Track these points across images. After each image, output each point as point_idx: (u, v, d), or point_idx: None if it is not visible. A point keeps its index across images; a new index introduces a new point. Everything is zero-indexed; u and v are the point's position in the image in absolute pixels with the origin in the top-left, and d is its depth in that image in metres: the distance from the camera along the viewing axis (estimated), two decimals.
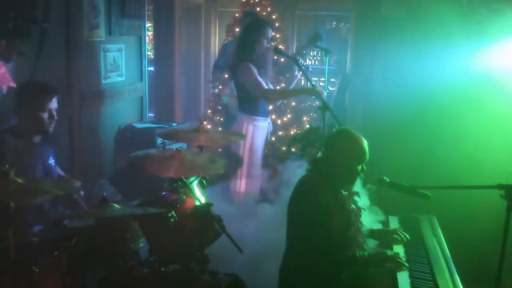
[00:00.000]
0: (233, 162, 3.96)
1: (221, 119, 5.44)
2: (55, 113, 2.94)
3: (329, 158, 2.57)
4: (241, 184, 4.07)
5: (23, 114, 2.92)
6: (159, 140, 4.42)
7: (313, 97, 4.04)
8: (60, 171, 3.23)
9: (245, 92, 4.04)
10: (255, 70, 3.93)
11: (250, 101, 4.06)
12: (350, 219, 2.53)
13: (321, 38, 4.55)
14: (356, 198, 2.64)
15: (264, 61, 4.05)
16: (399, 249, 2.65)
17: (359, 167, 2.55)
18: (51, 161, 3.07)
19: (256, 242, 3.21)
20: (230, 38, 5.59)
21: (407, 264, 2.48)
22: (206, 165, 2.79)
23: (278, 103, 4.90)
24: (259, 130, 4.07)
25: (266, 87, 3.98)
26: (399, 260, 2.48)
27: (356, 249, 2.51)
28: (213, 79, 5.74)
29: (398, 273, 2.43)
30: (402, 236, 2.76)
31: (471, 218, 3.76)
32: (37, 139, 2.98)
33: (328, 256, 2.43)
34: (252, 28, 4.05)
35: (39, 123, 2.91)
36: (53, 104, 2.93)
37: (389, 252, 2.53)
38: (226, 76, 5.10)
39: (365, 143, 2.54)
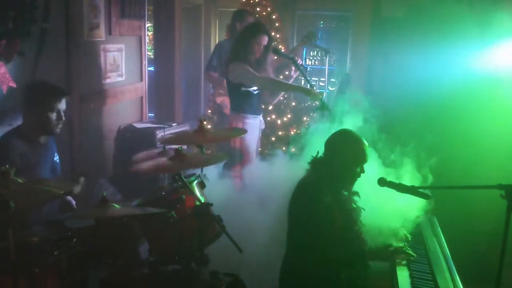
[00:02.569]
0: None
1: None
2: (63, 114, 2.92)
3: (328, 159, 2.57)
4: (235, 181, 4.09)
5: (31, 113, 2.89)
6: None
7: (309, 97, 4.02)
8: None
9: (236, 91, 4.09)
10: (246, 65, 3.95)
11: (240, 100, 4.12)
12: (352, 218, 2.54)
13: (316, 37, 4.54)
14: (355, 198, 2.64)
15: (260, 64, 4.08)
16: None
17: (358, 169, 2.55)
18: (56, 158, 3.08)
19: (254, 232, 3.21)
20: (224, 37, 5.59)
21: (414, 254, 2.54)
22: (208, 158, 2.82)
23: (275, 100, 4.88)
24: (249, 127, 4.08)
25: (260, 75, 4.00)
26: (407, 251, 2.53)
27: (360, 246, 2.53)
28: (205, 79, 5.72)
29: (398, 273, 2.43)
30: (403, 232, 2.77)
31: (471, 218, 3.77)
32: (43, 139, 2.97)
33: (329, 255, 2.43)
34: (248, 32, 4.07)
35: (47, 124, 2.88)
36: (62, 105, 2.92)
37: (395, 245, 2.56)
38: (220, 76, 5.10)
39: (365, 144, 2.54)
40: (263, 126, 4.38)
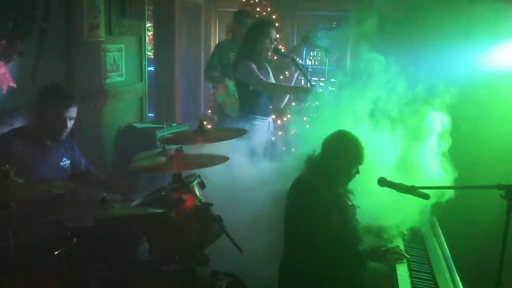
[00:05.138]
0: None
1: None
2: (68, 123, 2.91)
3: (324, 158, 2.58)
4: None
5: (38, 117, 2.91)
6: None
7: (310, 96, 4.04)
8: (84, 162, 3.24)
9: (245, 91, 4.07)
10: (254, 67, 3.96)
11: (249, 100, 4.09)
12: (348, 215, 2.55)
13: (315, 37, 4.54)
14: (350, 196, 2.66)
15: (265, 62, 4.09)
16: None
17: (354, 170, 2.56)
18: (64, 163, 3.07)
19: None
20: (224, 37, 5.60)
21: (407, 255, 2.54)
22: (208, 160, 2.82)
23: (284, 103, 4.87)
24: (256, 129, 4.08)
25: (266, 80, 4.01)
26: (400, 251, 2.53)
27: (357, 244, 2.53)
28: (205, 79, 5.73)
29: (398, 273, 2.43)
30: (400, 231, 2.77)
31: (471, 218, 3.76)
32: (50, 142, 2.98)
33: (328, 253, 2.43)
34: (256, 29, 4.07)
35: (49, 129, 2.91)
36: (69, 113, 2.90)
37: (389, 245, 2.57)
38: (220, 75, 5.11)
39: (362, 146, 2.54)
40: (272, 128, 4.37)
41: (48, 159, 2.97)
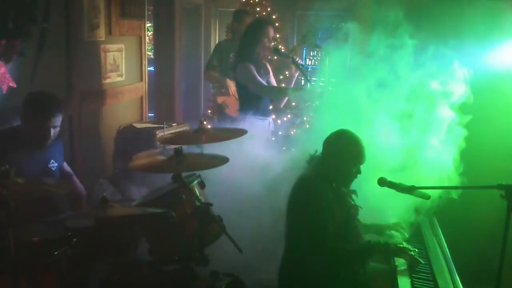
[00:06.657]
0: None
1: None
2: (52, 131, 2.86)
3: (326, 158, 2.58)
4: None
5: (22, 122, 2.90)
6: None
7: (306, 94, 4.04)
8: (68, 169, 3.21)
9: (245, 92, 4.07)
10: (253, 70, 3.95)
11: (249, 101, 4.09)
12: (351, 214, 2.55)
13: (315, 36, 4.54)
14: (353, 195, 2.65)
15: (265, 61, 4.08)
16: None
17: (355, 169, 2.55)
18: (52, 165, 3.05)
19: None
20: (224, 37, 5.61)
21: (422, 261, 2.51)
22: (208, 161, 2.82)
23: (283, 103, 4.88)
24: (256, 129, 4.07)
25: (265, 84, 4.01)
26: (415, 256, 2.49)
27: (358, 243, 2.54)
28: (205, 79, 5.73)
29: (398, 273, 2.43)
30: (402, 231, 2.77)
31: (471, 218, 3.76)
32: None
33: (330, 250, 2.43)
34: (254, 28, 4.06)
35: (33, 137, 2.88)
36: (52, 122, 2.84)
37: (405, 244, 2.54)
38: (220, 75, 5.12)
39: (362, 145, 2.54)
40: (272, 128, 4.37)
41: (36, 159, 2.94)
